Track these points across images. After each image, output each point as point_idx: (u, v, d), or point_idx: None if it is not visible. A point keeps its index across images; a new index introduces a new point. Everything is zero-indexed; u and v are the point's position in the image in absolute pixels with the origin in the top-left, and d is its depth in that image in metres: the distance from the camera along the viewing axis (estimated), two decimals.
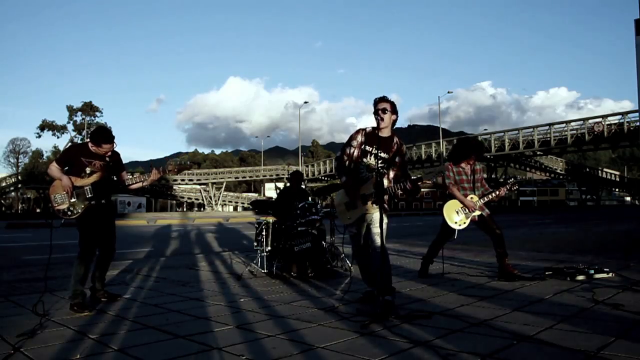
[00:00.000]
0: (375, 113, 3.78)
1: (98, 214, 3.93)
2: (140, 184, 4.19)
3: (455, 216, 4.98)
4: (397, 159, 3.81)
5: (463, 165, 5.13)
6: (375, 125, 3.85)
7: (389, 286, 3.60)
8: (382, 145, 3.78)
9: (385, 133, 3.81)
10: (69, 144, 49.60)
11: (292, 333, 3.00)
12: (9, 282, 5.42)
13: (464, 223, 4.98)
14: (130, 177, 4.26)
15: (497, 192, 5.00)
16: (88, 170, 3.92)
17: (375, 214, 3.68)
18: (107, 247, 4.09)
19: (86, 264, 3.90)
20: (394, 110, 3.79)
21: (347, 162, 3.89)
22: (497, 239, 4.95)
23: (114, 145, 4.01)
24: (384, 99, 3.80)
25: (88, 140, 4.00)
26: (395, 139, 3.85)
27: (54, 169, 3.90)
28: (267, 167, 64.26)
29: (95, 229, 3.92)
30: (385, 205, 3.78)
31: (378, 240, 3.63)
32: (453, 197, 5.05)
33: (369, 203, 3.70)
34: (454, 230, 5.02)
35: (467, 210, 4.96)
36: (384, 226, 3.71)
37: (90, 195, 3.88)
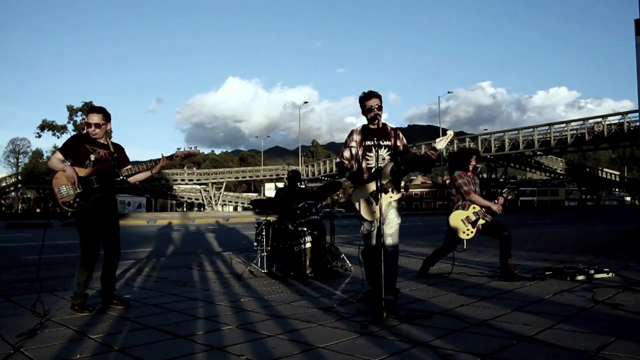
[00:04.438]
0: (370, 110, 3.73)
1: (102, 208, 3.71)
2: (148, 173, 3.93)
3: (463, 226, 4.98)
4: (398, 143, 3.81)
5: (469, 173, 5.17)
6: (365, 122, 3.85)
7: (393, 286, 3.59)
8: (381, 136, 3.78)
9: (378, 126, 3.81)
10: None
11: (293, 333, 3.00)
12: (9, 282, 5.42)
13: (472, 232, 4.99)
14: (132, 166, 3.94)
15: (495, 208, 4.97)
16: (92, 157, 3.68)
17: (390, 212, 3.70)
18: (112, 247, 3.83)
19: (89, 268, 3.71)
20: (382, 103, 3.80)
21: (348, 164, 3.87)
22: (504, 240, 4.94)
23: (104, 119, 3.78)
24: (374, 95, 3.74)
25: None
26: (389, 127, 3.85)
27: (56, 160, 3.66)
28: (267, 167, 64.27)
29: (97, 227, 3.70)
30: (397, 201, 3.78)
31: (390, 240, 3.64)
32: (473, 202, 5.00)
33: (390, 191, 3.69)
34: (462, 240, 5.05)
35: (472, 219, 4.95)
36: (397, 226, 3.72)
37: (96, 186, 3.66)
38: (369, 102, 3.73)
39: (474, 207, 4.99)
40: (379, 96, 3.75)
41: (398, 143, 3.81)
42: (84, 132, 3.89)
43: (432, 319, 3.25)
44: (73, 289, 3.72)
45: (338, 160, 3.97)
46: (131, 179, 3.96)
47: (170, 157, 3.92)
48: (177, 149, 3.92)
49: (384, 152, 3.76)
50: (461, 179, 5.08)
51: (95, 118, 3.77)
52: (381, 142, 3.76)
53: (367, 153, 3.78)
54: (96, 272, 3.87)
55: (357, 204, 3.78)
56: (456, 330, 2.93)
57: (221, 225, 21.55)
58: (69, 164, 3.72)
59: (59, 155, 3.72)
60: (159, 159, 3.93)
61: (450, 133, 3.97)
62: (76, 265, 3.79)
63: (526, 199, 78.51)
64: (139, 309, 3.84)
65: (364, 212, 3.75)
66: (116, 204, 4.01)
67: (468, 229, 4.97)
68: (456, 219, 5.02)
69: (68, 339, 2.93)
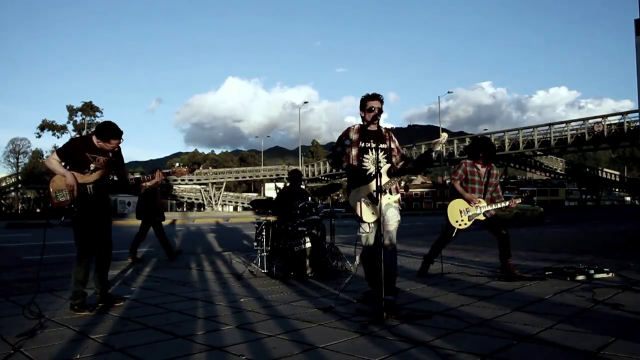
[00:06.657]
0: (369, 111, 3.75)
1: (96, 213, 3.82)
2: (143, 184, 4.16)
3: (458, 215, 4.95)
4: (392, 146, 3.83)
5: (479, 165, 5.13)
6: (362, 122, 3.86)
7: (393, 286, 3.59)
8: (378, 138, 3.80)
9: (374, 127, 3.83)
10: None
11: (293, 333, 3.00)
12: (9, 282, 5.42)
13: (465, 224, 4.95)
14: (132, 176, 4.18)
15: (509, 204, 4.97)
16: (92, 166, 3.76)
17: (390, 211, 3.69)
18: (104, 247, 3.91)
19: (85, 265, 3.80)
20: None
21: (344, 160, 3.86)
22: (502, 239, 4.94)
23: (121, 141, 3.86)
24: (376, 97, 3.76)
25: (91, 133, 3.88)
26: (383, 129, 3.88)
27: (55, 162, 3.72)
28: (267, 167, 64.26)
29: (92, 229, 3.79)
30: (399, 200, 3.78)
31: (390, 238, 3.63)
32: (457, 193, 5.02)
33: (387, 192, 3.70)
34: (454, 229, 5.00)
35: (470, 211, 4.94)
36: (396, 224, 3.71)
37: (92, 194, 3.76)
38: (371, 102, 3.76)
39: (479, 201, 4.97)
40: (381, 100, 3.78)
41: (392, 146, 3.84)
42: (86, 136, 3.96)
43: (432, 319, 3.25)
44: (71, 288, 3.75)
45: (331, 152, 3.96)
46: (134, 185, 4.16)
47: (167, 174, 4.15)
48: (175, 167, 4.15)
49: (380, 155, 3.77)
50: (459, 168, 5.11)
51: (115, 142, 3.83)
52: (379, 145, 3.77)
53: (364, 155, 3.77)
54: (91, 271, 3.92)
55: (356, 206, 3.76)
56: (456, 330, 2.93)
57: (221, 225, 21.55)
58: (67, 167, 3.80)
59: (57, 157, 3.75)
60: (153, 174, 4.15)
61: (444, 135, 3.92)
62: (73, 264, 3.83)
63: None
64: (139, 309, 3.84)
65: (364, 214, 3.72)
66: (109, 203, 4.11)
67: (462, 220, 4.93)
68: (454, 207, 4.98)
69: (68, 339, 2.93)
